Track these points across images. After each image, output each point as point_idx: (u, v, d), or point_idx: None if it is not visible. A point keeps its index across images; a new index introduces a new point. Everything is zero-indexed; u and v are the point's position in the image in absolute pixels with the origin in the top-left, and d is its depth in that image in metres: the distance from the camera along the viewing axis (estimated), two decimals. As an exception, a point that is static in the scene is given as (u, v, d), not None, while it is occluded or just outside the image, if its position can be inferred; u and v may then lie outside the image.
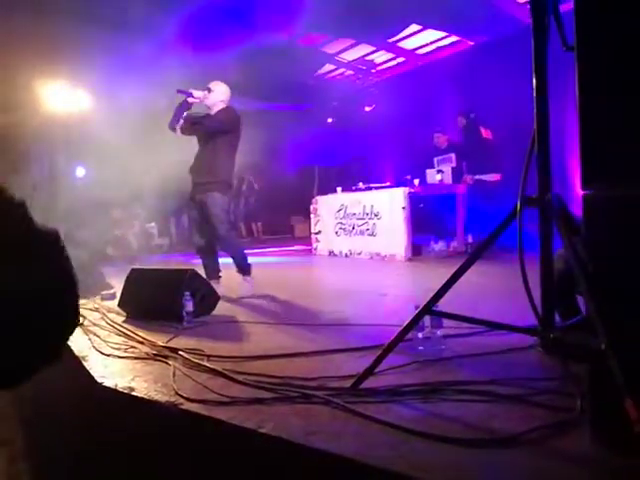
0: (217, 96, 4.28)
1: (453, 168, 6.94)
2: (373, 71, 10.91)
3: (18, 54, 6.00)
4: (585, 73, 1.34)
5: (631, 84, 1.29)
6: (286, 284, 4.73)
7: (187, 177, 4.35)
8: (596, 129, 1.35)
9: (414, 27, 8.64)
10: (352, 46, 9.57)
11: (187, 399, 1.86)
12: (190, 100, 4.24)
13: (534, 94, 1.75)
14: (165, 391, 1.98)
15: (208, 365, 2.23)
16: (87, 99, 8.14)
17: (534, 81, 1.76)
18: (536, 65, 1.74)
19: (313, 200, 7.97)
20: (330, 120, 12.03)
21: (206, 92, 4.26)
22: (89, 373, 2.34)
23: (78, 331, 3.20)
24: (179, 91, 4.24)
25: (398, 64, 10.46)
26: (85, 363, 2.48)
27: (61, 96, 7.77)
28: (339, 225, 7.32)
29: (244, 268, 4.25)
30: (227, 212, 4.23)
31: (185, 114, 4.25)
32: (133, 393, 2.01)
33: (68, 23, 6.43)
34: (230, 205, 4.30)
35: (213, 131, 4.17)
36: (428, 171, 7.09)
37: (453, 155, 7.08)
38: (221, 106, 4.29)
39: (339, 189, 7.62)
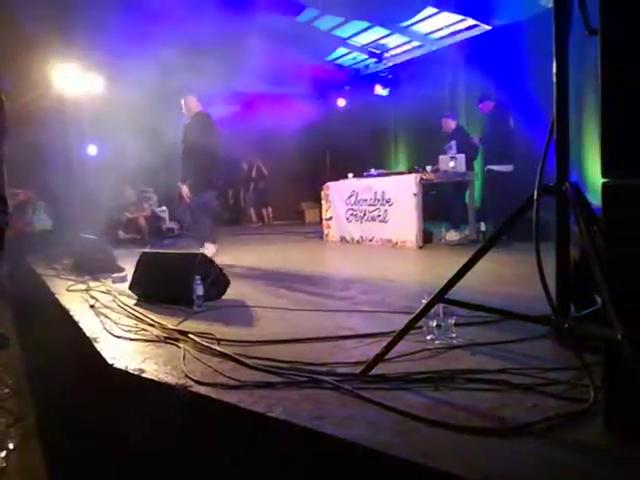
0: None
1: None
2: (387, 55, 10.75)
3: (32, 37, 5.99)
4: (608, 58, 1.30)
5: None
6: (297, 270, 4.73)
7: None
8: (617, 116, 1.30)
9: (429, 10, 8.47)
10: (365, 30, 9.43)
11: (196, 382, 1.87)
12: None
13: (554, 79, 1.71)
14: (175, 373, 1.99)
15: (218, 349, 2.24)
16: (99, 81, 8.13)
17: (554, 66, 1.71)
18: (557, 49, 1.69)
19: (324, 186, 7.91)
20: (342, 104, 11.92)
21: None
22: (100, 355, 2.36)
23: (90, 313, 3.23)
24: None
25: (413, 48, 10.30)
26: (96, 345, 2.51)
27: (74, 78, 7.75)
28: (350, 211, 7.28)
29: None
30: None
31: None
32: (143, 375, 2.02)
33: (82, 6, 6.39)
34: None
35: None
36: (441, 157, 6.98)
37: (454, 142, 6.95)
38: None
39: (350, 175, 7.56)
